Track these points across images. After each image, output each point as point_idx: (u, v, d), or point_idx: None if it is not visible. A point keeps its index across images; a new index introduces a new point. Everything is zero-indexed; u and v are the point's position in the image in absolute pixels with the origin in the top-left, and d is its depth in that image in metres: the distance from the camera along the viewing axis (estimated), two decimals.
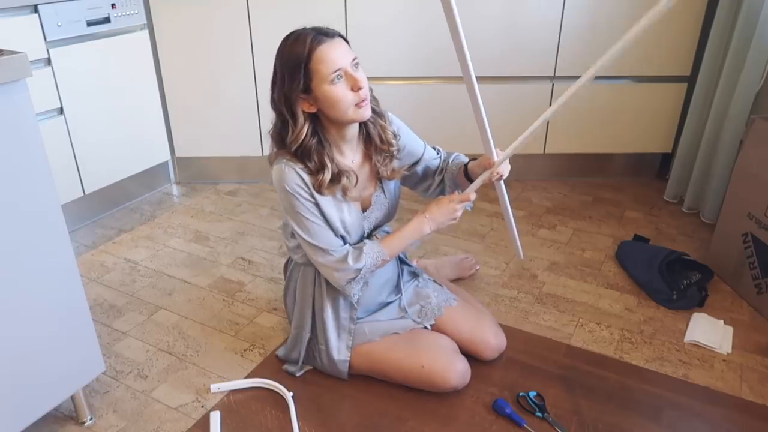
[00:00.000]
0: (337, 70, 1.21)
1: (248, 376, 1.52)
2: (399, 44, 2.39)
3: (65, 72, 2.07)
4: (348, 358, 1.46)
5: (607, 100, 2.47)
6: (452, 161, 1.51)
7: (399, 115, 1.54)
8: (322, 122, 1.30)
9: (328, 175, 1.28)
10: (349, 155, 1.37)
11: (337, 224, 1.34)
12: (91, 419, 1.39)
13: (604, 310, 1.78)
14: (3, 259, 1.10)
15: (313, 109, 1.26)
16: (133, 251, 2.13)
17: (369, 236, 1.46)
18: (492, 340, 1.52)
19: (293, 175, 1.27)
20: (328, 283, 1.41)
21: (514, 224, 1.50)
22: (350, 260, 1.33)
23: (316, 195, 1.30)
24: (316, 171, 1.28)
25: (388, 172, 1.41)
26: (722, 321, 1.71)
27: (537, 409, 1.39)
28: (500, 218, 2.33)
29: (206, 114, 2.54)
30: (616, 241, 2.14)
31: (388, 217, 1.50)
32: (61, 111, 2.10)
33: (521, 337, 1.65)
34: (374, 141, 1.38)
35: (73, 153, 2.16)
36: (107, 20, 2.18)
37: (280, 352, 1.57)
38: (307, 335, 1.47)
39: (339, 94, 1.23)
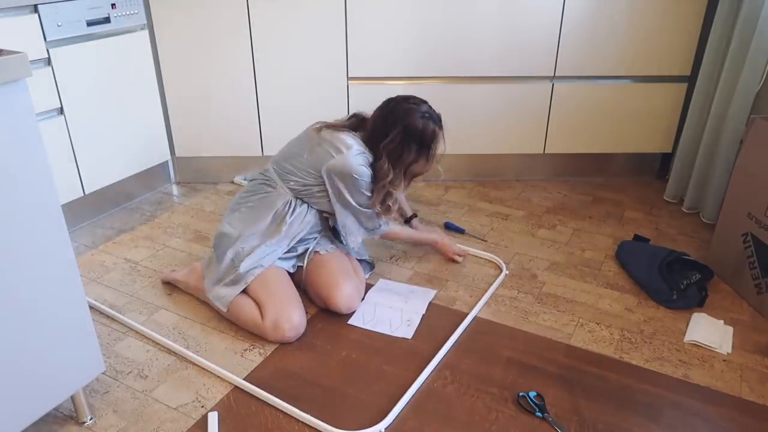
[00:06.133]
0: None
1: (248, 377, 1.52)
2: (400, 44, 2.39)
3: (65, 72, 2.07)
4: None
5: (607, 100, 2.47)
6: None
7: None
8: None
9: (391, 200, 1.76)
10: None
11: None
12: (91, 419, 1.40)
13: (604, 310, 1.78)
14: (3, 259, 1.10)
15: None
16: (133, 251, 2.13)
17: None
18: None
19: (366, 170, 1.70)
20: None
21: None
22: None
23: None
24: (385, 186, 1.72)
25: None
26: (722, 321, 1.71)
27: (537, 409, 1.39)
28: (500, 218, 2.33)
29: (206, 114, 2.54)
30: (616, 241, 2.14)
31: None
32: (61, 111, 2.10)
33: (521, 337, 1.65)
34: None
35: (73, 153, 2.16)
36: (107, 20, 2.19)
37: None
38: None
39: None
